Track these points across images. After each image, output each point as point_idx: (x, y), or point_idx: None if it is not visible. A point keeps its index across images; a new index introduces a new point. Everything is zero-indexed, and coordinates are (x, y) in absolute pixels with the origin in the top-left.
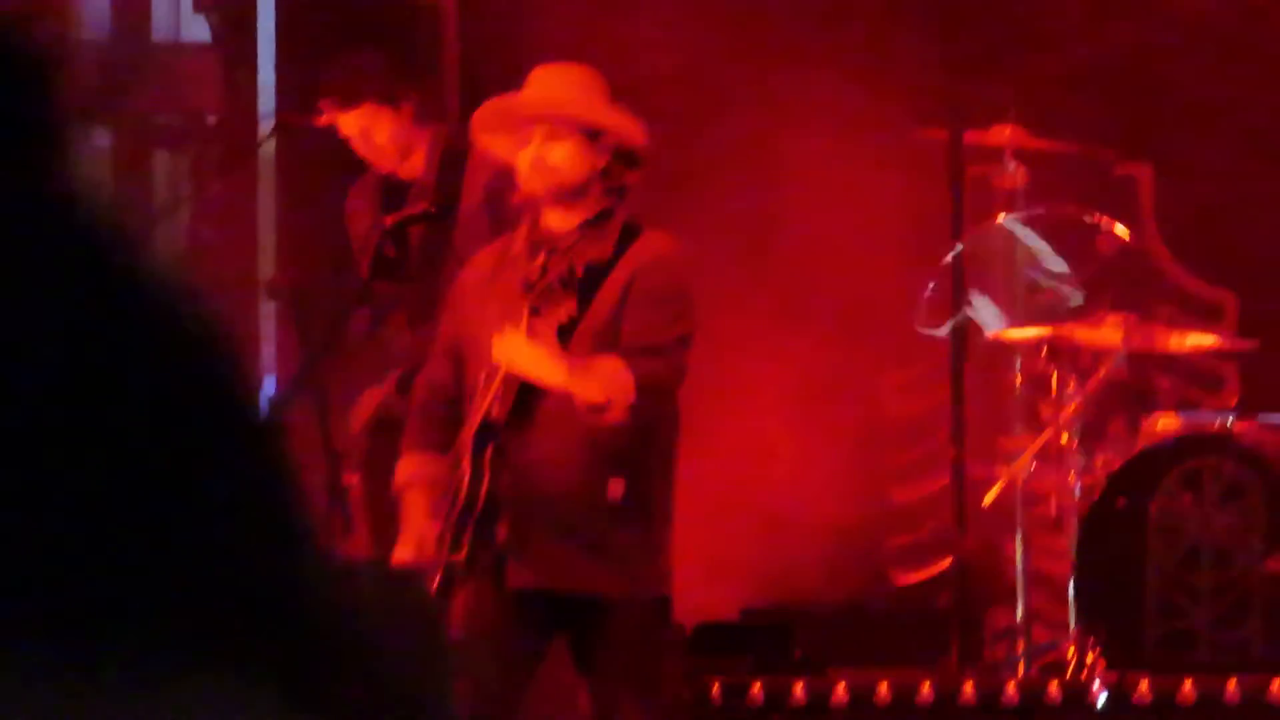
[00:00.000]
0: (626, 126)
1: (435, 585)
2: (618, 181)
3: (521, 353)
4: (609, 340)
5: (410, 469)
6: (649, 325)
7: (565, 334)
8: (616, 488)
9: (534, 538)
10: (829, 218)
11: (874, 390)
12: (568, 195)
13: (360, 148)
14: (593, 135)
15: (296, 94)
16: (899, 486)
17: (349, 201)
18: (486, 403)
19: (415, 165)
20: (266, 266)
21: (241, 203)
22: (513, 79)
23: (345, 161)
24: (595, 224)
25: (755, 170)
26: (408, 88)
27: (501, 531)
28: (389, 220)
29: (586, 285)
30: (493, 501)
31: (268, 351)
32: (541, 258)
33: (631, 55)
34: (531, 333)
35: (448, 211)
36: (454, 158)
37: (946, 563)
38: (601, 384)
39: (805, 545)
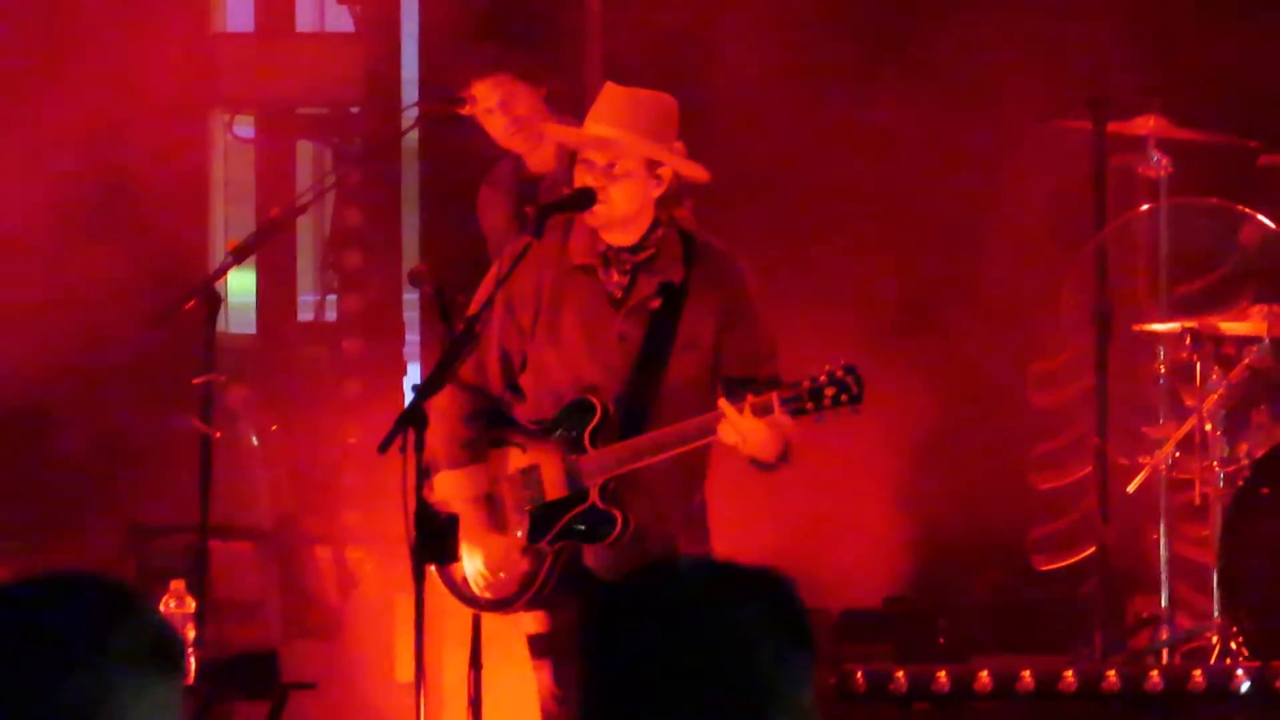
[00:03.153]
0: (686, 165)
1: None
2: (673, 207)
3: (751, 436)
4: (710, 361)
5: (457, 485)
6: (760, 355)
7: (659, 354)
8: (699, 496)
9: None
10: (970, 206)
11: (1019, 379)
12: (626, 219)
13: (497, 124)
14: (653, 165)
15: (439, 85)
16: (1043, 475)
17: (482, 193)
18: (594, 422)
19: (546, 157)
20: (411, 255)
21: (384, 192)
22: (652, 75)
23: (485, 154)
24: (659, 240)
25: (892, 158)
26: (547, 71)
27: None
28: (530, 209)
29: (670, 304)
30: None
31: (411, 340)
32: (616, 275)
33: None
34: (758, 414)
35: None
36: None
37: (1090, 551)
38: (785, 443)
39: (950, 534)
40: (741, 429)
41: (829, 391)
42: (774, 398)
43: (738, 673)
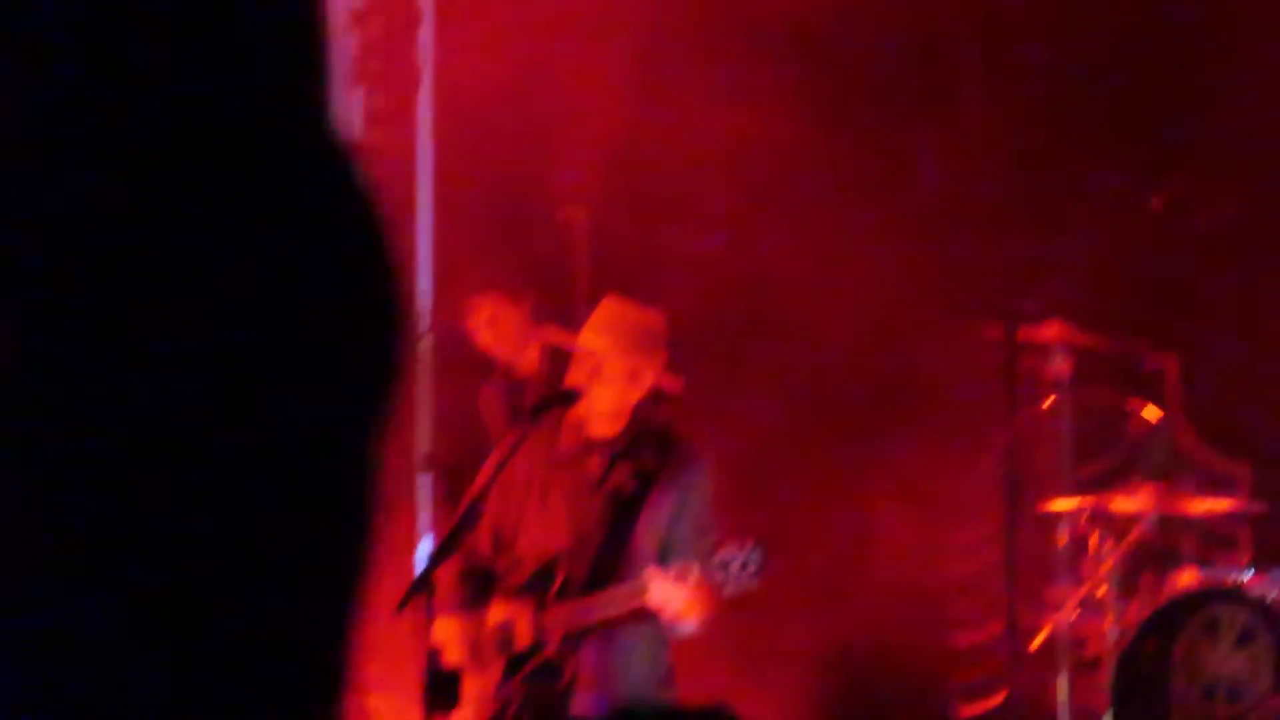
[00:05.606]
0: (666, 377)
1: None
2: (650, 409)
3: (673, 600)
4: (662, 540)
5: (450, 633)
6: (699, 534)
7: (626, 531)
8: (666, 654)
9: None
10: (896, 398)
11: (939, 549)
12: (607, 416)
13: (487, 336)
14: (635, 373)
15: (449, 296)
16: (960, 633)
17: (482, 395)
18: (558, 583)
19: (531, 361)
20: (423, 442)
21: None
22: (634, 287)
23: (484, 361)
24: (637, 434)
25: (824, 345)
26: (528, 287)
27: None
28: (526, 405)
29: (641, 489)
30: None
31: (423, 518)
32: (597, 463)
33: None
34: (679, 582)
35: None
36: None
37: (1002, 697)
38: (707, 612)
39: (877, 681)
40: (664, 593)
41: (735, 565)
42: (693, 567)
43: None
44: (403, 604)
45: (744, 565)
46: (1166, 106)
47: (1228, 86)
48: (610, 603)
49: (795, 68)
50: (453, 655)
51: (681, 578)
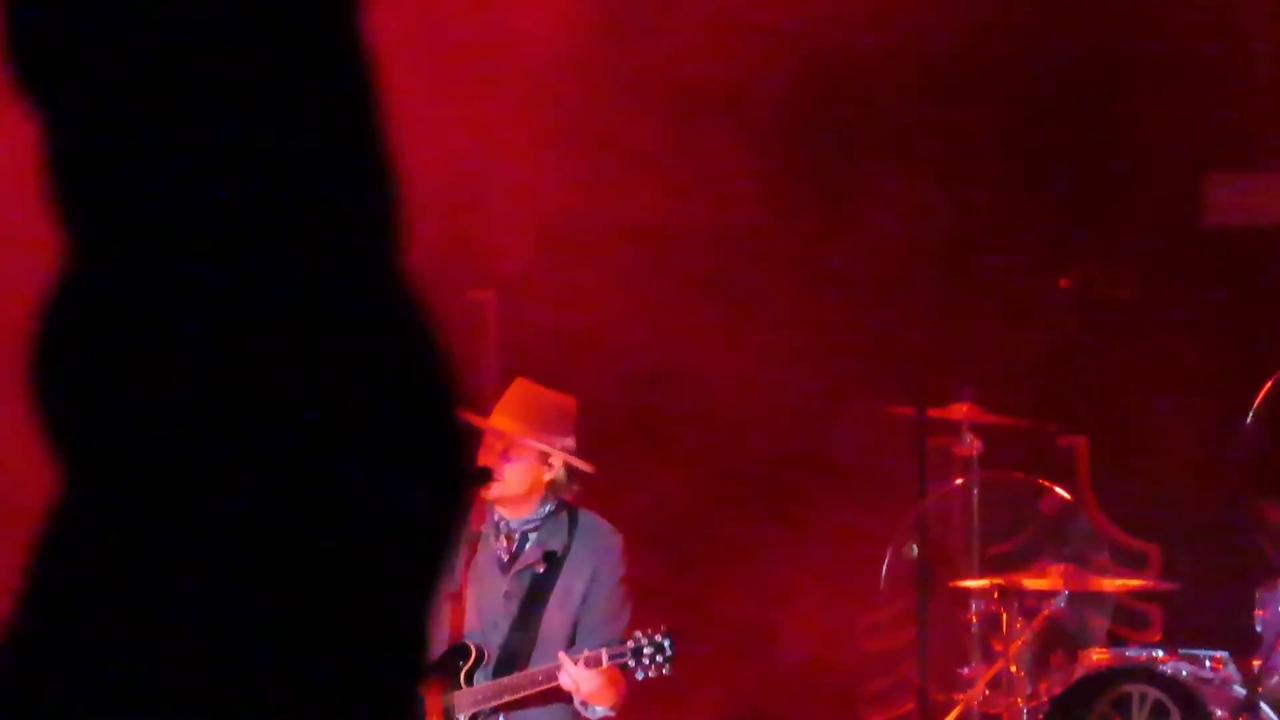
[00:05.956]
0: (574, 460)
1: None
2: (562, 490)
3: (584, 684)
4: (573, 621)
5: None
6: (611, 616)
7: (536, 611)
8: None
9: None
10: (808, 476)
11: (851, 628)
12: (517, 497)
13: None
14: (545, 454)
15: None
16: (872, 711)
17: None
18: (469, 664)
19: None
20: None
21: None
22: (544, 369)
23: None
24: (547, 515)
25: (741, 425)
26: None
27: None
28: None
29: (551, 569)
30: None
31: None
32: (507, 543)
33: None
34: (589, 666)
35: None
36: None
37: None
38: (619, 696)
39: None
40: (575, 677)
41: (648, 653)
42: (603, 653)
43: None
44: None
45: (656, 653)
46: (1074, 191)
47: (1133, 171)
48: (521, 685)
49: (712, 150)
50: None
51: (592, 665)
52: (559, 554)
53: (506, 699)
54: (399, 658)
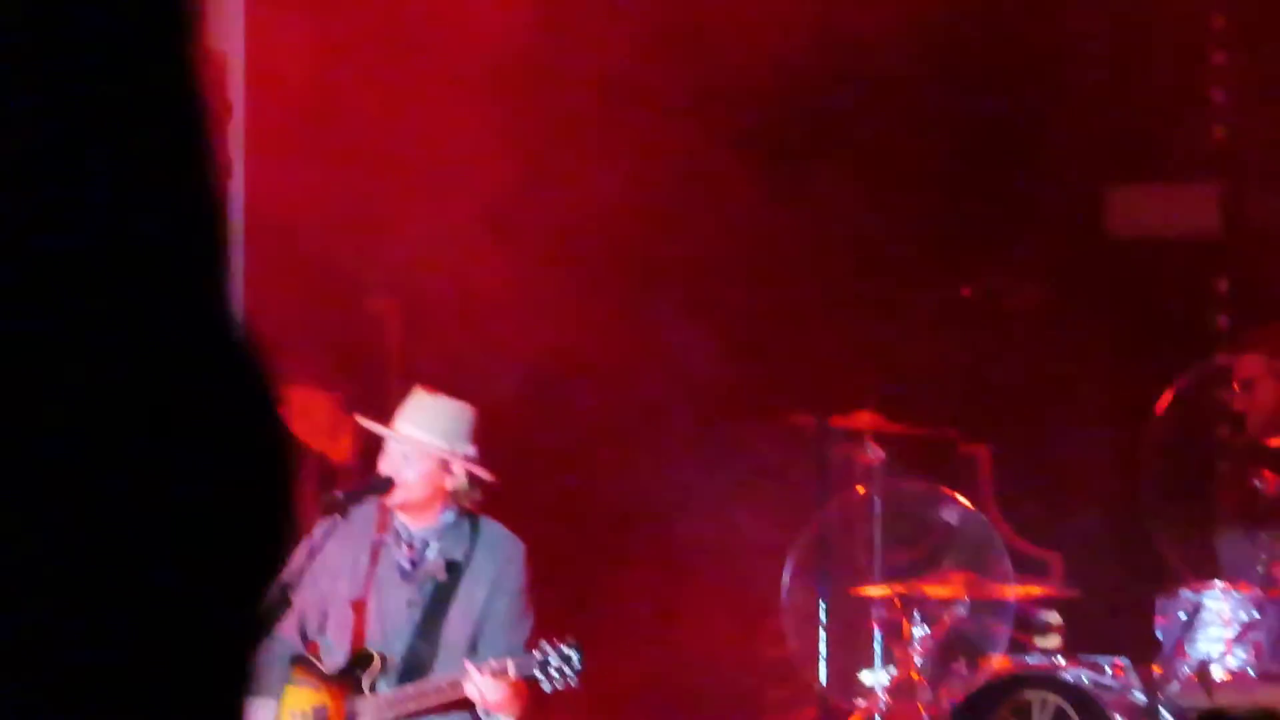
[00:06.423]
0: (474, 465)
1: None
2: (464, 497)
3: (488, 694)
4: (475, 628)
5: (259, 716)
6: (513, 623)
7: (439, 618)
8: None
9: None
10: (716, 490)
11: (754, 634)
12: (419, 505)
13: (299, 426)
14: (446, 462)
15: None
16: (774, 717)
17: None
18: (371, 671)
19: (344, 448)
20: None
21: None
22: (445, 378)
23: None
24: (448, 523)
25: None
26: (340, 377)
27: None
28: (340, 491)
29: (452, 576)
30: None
31: None
32: (409, 551)
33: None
34: (495, 678)
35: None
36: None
37: None
38: (524, 706)
39: None
40: (481, 687)
41: (554, 664)
42: (510, 664)
43: None
44: None
45: (563, 664)
46: (976, 203)
47: (1036, 182)
48: (425, 694)
49: (620, 162)
50: None
51: (498, 674)
52: (461, 562)
53: (410, 707)
54: (223, 670)
